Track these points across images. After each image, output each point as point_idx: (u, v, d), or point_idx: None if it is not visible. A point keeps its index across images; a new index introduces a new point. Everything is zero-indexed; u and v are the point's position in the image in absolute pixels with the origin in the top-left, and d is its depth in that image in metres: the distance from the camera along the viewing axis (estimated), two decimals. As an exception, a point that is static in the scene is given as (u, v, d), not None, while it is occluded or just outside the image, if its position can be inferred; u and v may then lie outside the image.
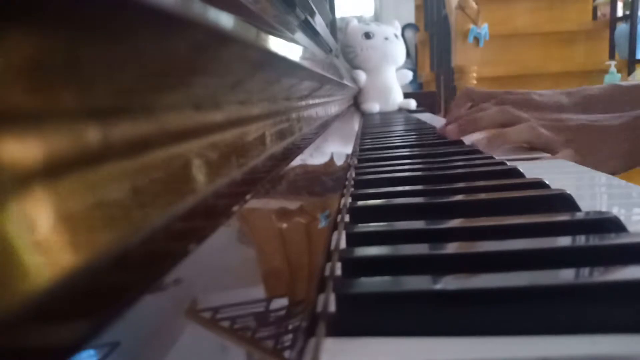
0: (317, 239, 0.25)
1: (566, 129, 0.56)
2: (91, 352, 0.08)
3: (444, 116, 1.23)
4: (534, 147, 0.56)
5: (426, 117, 1.24)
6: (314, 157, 0.36)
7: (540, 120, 0.57)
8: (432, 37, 2.47)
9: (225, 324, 0.13)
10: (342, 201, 0.34)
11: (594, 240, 0.23)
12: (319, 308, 0.19)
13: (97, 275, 0.09)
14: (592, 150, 0.54)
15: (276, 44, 0.22)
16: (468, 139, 0.61)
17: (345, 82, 0.84)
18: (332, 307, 0.18)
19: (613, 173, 0.53)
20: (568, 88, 0.69)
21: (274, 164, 0.26)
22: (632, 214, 0.28)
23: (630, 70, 1.97)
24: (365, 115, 1.40)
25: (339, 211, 0.32)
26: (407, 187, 0.38)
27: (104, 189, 0.10)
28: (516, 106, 0.61)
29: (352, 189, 0.38)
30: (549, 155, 0.53)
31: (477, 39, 1.94)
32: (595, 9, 2.12)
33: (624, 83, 0.69)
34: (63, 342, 0.08)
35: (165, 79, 0.13)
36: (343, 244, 0.26)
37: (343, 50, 1.47)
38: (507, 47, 2.04)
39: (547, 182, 0.34)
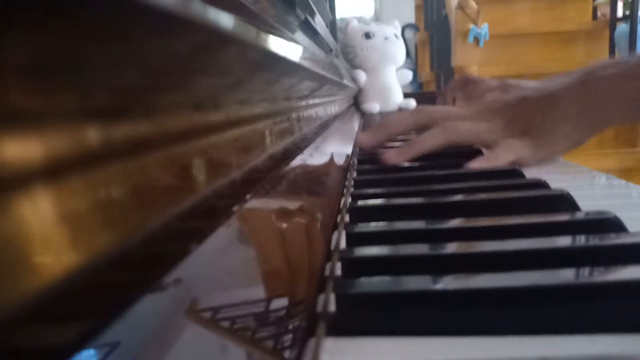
0: (317, 239, 0.25)
1: (504, 107, 0.47)
2: (91, 352, 0.08)
3: None
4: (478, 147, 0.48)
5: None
6: (314, 157, 0.36)
7: (476, 107, 0.49)
8: (432, 37, 2.47)
9: (225, 324, 0.13)
10: (342, 201, 0.34)
11: (594, 240, 0.23)
12: (319, 308, 0.19)
13: (98, 275, 0.09)
14: (539, 128, 0.44)
15: (276, 44, 0.22)
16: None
17: (345, 82, 0.84)
18: (332, 307, 0.18)
19: (570, 149, 0.44)
20: None
21: (274, 164, 0.26)
22: (632, 214, 0.28)
23: (630, 71, 1.96)
24: (365, 115, 1.40)
25: (339, 211, 0.32)
26: (407, 187, 0.38)
27: (104, 188, 0.10)
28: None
29: (352, 189, 0.38)
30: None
31: (477, 39, 1.94)
32: (595, 9, 2.12)
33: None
34: (63, 342, 0.08)
35: (166, 79, 0.13)
36: (343, 244, 0.26)
37: (343, 50, 1.47)
38: (507, 47, 2.04)
39: (547, 182, 0.34)
